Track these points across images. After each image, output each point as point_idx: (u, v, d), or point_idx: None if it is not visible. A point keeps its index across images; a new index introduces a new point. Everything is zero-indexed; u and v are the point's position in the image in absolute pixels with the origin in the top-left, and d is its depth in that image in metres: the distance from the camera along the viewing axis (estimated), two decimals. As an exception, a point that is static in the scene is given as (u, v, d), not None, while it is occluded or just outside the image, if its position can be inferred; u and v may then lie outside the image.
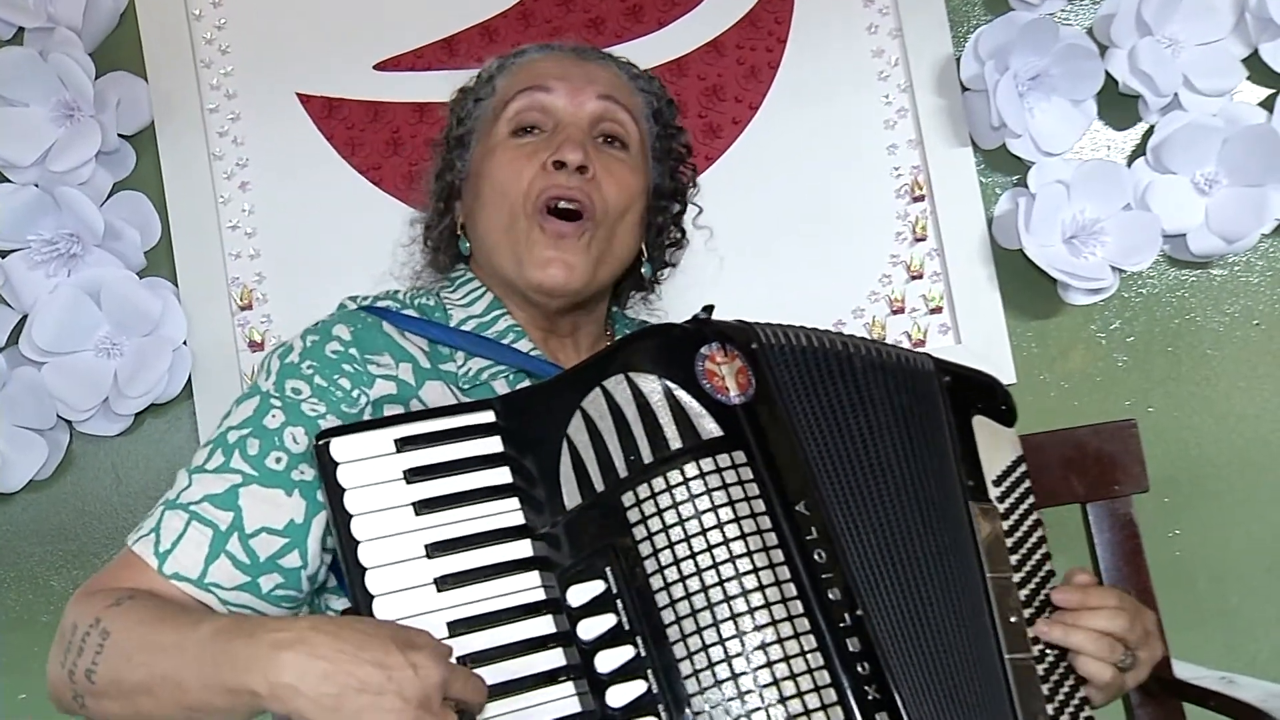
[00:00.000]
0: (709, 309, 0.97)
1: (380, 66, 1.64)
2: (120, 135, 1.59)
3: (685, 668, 0.79)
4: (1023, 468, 1.04)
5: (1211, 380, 1.63)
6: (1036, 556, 1.00)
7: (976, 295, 1.61)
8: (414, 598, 0.82)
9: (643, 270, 1.15)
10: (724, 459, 0.84)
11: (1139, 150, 1.64)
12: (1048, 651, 0.95)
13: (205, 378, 1.58)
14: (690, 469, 0.83)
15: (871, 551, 0.88)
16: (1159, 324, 1.64)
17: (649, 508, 0.83)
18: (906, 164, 1.64)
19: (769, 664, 0.79)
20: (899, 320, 1.62)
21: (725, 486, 0.83)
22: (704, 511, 0.82)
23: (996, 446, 1.03)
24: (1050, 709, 0.93)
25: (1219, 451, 1.63)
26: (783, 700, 0.78)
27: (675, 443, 0.84)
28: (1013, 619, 0.94)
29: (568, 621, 0.82)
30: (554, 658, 0.82)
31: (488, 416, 0.89)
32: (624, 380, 0.87)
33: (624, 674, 0.80)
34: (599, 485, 0.85)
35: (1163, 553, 1.56)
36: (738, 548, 0.81)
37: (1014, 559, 0.98)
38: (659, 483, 0.83)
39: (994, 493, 1.00)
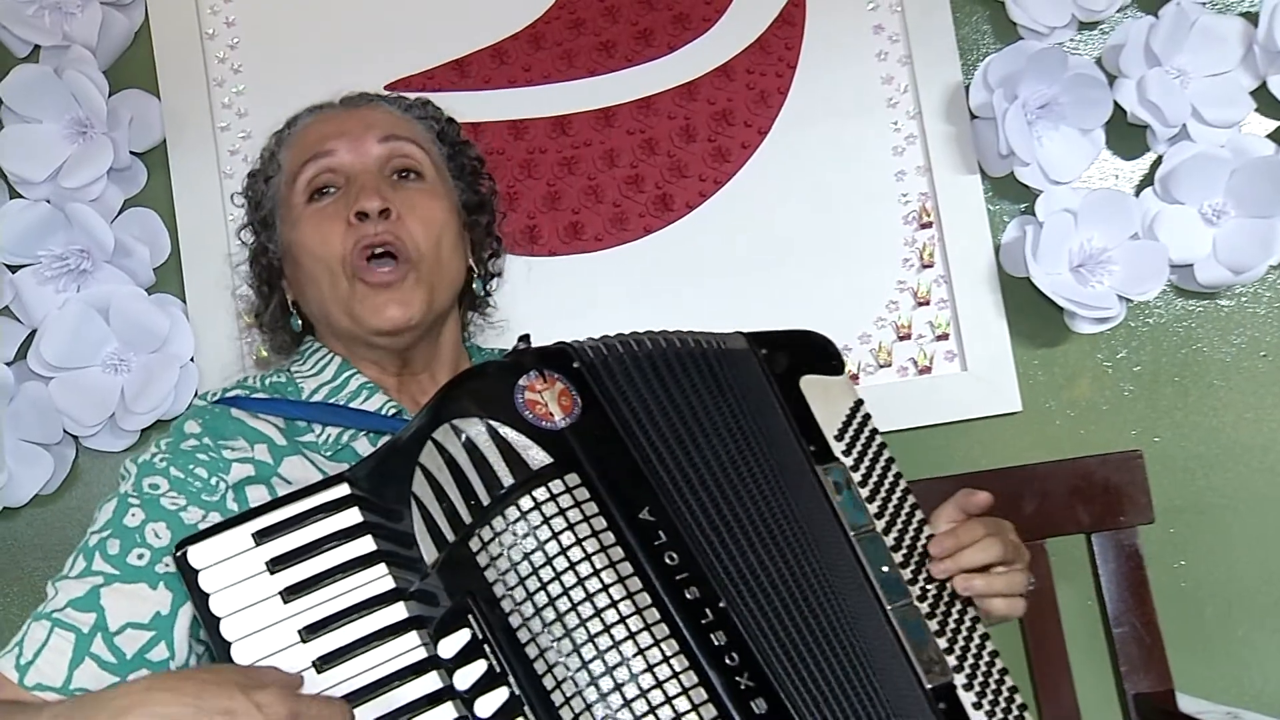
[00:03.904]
0: (525, 338, 0.98)
1: (391, 87, 1.64)
2: (132, 152, 1.60)
3: (557, 698, 0.81)
4: (863, 410, 1.05)
5: (1218, 411, 1.63)
6: (896, 495, 1.01)
7: (983, 322, 1.61)
8: None
9: (474, 287, 1.17)
10: (557, 485, 0.85)
11: (1147, 180, 1.64)
12: (927, 588, 0.96)
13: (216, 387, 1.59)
14: (525, 502, 0.84)
15: (731, 540, 0.89)
16: (1166, 354, 1.64)
17: (494, 548, 0.84)
18: (915, 190, 1.64)
19: (633, 677, 0.80)
20: (905, 346, 1.62)
21: (562, 511, 0.84)
22: (546, 541, 0.83)
23: (830, 400, 1.04)
24: (943, 643, 0.94)
25: (1225, 482, 1.62)
26: (653, 710, 0.79)
27: (507, 479, 0.85)
28: (885, 568, 0.96)
29: (448, 675, 0.84)
30: (446, 712, 0.83)
31: (342, 490, 0.90)
32: (450, 429, 0.88)
33: (503, 715, 0.82)
34: (449, 536, 0.86)
35: (1168, 584, 1.56)
36: (584, 569, 0.83)
37: (874, 506, 0.99)
38: (499, 522, 0.84)
39: (838, 448, 1.01)
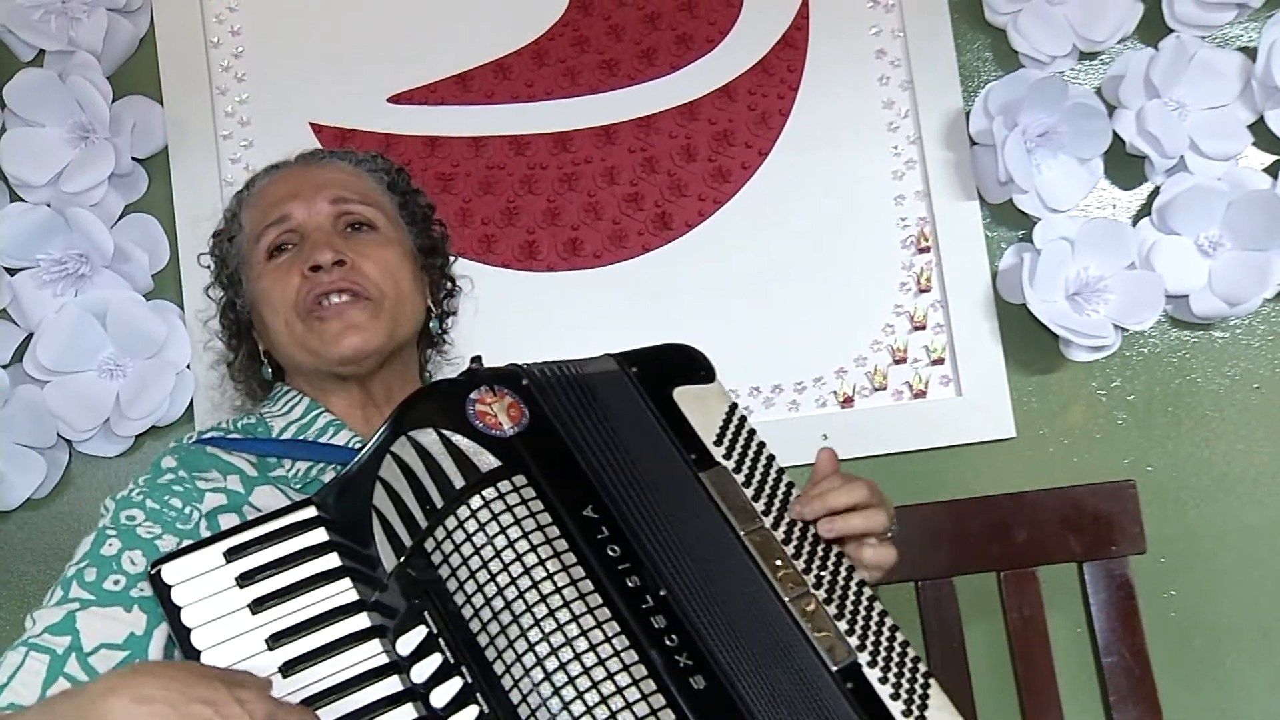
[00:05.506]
0: (477, 359, 1.04)
1: (394, 99, 1.65)
2: (134, 158, 1.61)
3: (507, 682, 0.85)
4: (738, 414, 1.10)
5: (1210, 442, 1.63)
6: (781, 490, 1.06)
7: (979, 348, 1.62)
8: None
9: (431, 326, 1.23)
10: (505, 485, 0.91)
11: (1144, 210, 1.65)
12: (822, 575, 1.00)
13: (207, 402, 1.59)
14: (475, 501, 0.90)
15: (663, 536, 0.95)
16: (1159, 383, 1.64)
17: (447, 546, 0.89)
18: (913, 215, 1.65)
19: (577, 656, 0.85)
20: (901, 370, 1.63)
21: (510, 509, 0.90)
22: (495, 536, 0.89)
23: (705, 410, 1.08)
24: (844, 625, 0.97)
25: (1216, 513, 1.62)
26: (596, 687, 0.84)
27: (459, 482, 0.91)
28: (778, 562, 0.99)
29: (409, 676, 0.88)
30: (406, 713, 0.87)
31: (309, 512, 0.95)
32: (406, 440, 0.94)
33: (457, 703, 0.86)
34: (406, 540, 0.91)
35: (1158, 613, 1.56)
36: (530, 560, 0.88)
37: (760, 504, 1.03)
38: (450, 521, 0.90)
39: (719, 452, 1.06)
